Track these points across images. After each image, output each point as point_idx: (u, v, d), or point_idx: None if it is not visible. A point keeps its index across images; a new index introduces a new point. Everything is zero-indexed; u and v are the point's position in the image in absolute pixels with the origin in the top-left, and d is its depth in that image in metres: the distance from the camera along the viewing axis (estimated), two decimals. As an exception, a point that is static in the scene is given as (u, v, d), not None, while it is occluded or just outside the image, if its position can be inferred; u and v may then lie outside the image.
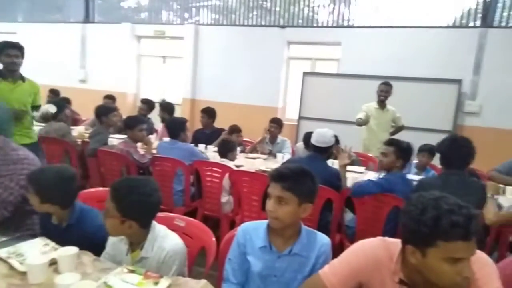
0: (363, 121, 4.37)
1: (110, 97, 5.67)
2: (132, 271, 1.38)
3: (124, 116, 4.23)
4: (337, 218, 2.79)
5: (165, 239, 1.53)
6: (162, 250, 1.49)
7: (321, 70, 7.28)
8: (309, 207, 1.45)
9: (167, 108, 4.90)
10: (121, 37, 8.92)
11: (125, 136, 3.69)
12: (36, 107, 3.43)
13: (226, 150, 3.56)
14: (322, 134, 2.97)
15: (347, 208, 2.95)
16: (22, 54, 3.22)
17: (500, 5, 5.99)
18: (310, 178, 1.46)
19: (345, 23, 7.06)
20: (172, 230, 1.61)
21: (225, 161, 3.41)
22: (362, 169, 3.83)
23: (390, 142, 2.86)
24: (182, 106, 8.46)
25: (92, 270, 1.41)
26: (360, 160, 4.22)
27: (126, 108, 8.22)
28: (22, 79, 3.30)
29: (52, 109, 3.55)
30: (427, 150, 3.71)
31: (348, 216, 2.98)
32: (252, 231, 1.53)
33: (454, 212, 1.05)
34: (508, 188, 3.18)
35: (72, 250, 1.42)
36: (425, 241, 1.09)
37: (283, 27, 7.46)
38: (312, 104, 6.96)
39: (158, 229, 1.56)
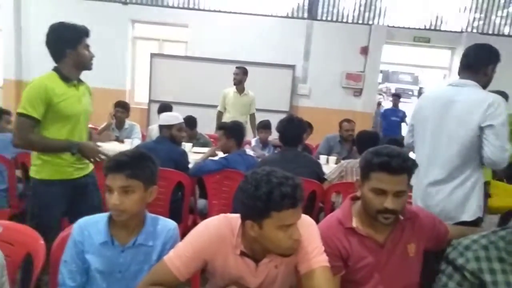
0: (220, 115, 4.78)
1: None
2: None
3: None
4: (188, 200, 2.81)
5: None
6: None
7: (170, 52, 7.11)
8: (154, 189, 1.43)
9: None
10: None
11: None
12: None
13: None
14: (167, 114, 3.09)
15: (200, 197, 3.02)
16: None
17: (321, 1, 6.94)
18: (150, 160, 1.43)
19: (191, 5, 7.02)
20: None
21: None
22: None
23: (219, 127, 3.14)
24: (4, 88, 7.04)
25: None
26: (212, 141, 4.35)
27: None
28: (80, 80, 2.18)
29: None
30: (263, 126, 4.13)
31: (201, 203, 3.05)
32: (90, 227, 1.39)
33: (283, 184, 1.16)
34: (331, 158, 3.81)
35: None
36: (261, 214, 1.17)
37: (125, 3, 6.93)
38: (163, 87, 6.75)
39: None
